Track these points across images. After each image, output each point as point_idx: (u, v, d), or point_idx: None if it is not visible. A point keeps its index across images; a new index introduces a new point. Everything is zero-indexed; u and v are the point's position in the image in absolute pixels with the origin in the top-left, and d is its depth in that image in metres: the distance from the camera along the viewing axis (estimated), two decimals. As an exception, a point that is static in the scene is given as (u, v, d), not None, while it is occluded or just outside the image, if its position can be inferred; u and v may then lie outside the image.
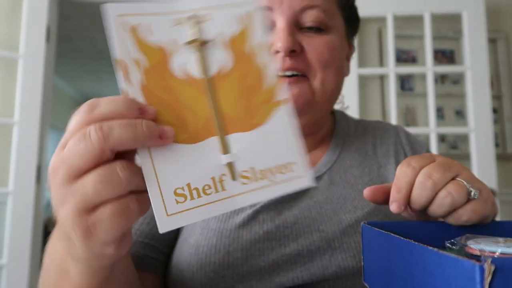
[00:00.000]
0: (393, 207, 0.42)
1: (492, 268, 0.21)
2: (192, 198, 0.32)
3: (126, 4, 0.34)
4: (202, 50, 0.35)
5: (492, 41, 2.21)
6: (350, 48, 0.71)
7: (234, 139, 0.34)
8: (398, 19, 2.09)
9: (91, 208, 0.29)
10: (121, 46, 0.33)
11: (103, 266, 0.34)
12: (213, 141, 0.34)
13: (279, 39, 0.56)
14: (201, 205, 0.32)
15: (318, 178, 0.63)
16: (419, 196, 0.42)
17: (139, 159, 0.31)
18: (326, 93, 0.61)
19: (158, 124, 0.32)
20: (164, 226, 0.30)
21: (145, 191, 0.30)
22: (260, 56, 0.37)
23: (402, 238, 0.35)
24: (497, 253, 0.32)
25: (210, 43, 0.35)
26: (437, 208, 0.42)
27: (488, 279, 0.22)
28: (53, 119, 2.40)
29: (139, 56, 0.33)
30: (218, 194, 0.33)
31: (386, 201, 0.44)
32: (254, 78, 0.36)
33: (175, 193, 0.31)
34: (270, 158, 0.35)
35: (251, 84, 0.36)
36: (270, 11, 0.58)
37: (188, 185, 0.32)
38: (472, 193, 0.42)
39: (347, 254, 0.54)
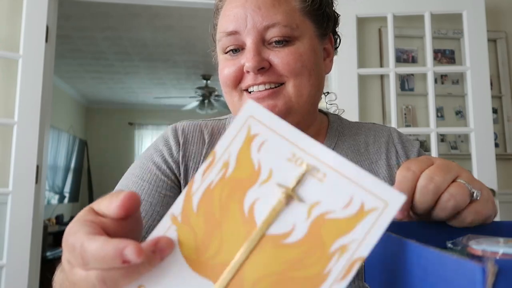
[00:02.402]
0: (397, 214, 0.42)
1: (495, 269, 0.21)
2: None
3: (265, 111, 0.32)
4: (284, 203, 0.30)
5: (492, 41, 2.21)
6: (331, 43, 0.73)
7: None
8: (398, 19, 2.09)
9: None
10: (227, 144, 0.32)
11: None
12: (209, 286, 0.30)
13: (247, 60, 0.61)
14: None
15: None
16: (422, 200, 0.41)
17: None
18: (302, 97, 0.64)
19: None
20: None
21: None
22: (339, 261, 0.28)
23: (403, 238, 0.34)
24: (499, 254, 0.32)
25: (298, 203, 0.30)
26: (441, 211, 0.41)
27: (490, 281, 0.21)
28: (53, 119, 2.40)
29: (232, 163, 0.32)
30: None
31: None
32: (309, 272, 0.29)
33: None
34: None
35: (299, 273, 0.29)
36: (238, 35, 0.63)
37: None
38: (475, 194, 0.42)
39: None
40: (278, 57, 0.62)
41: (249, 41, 0.62)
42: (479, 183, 0.44)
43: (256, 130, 0.32)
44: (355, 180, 0.29)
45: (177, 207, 0.32)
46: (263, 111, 0.32)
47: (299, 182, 0.30)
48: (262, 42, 0.63)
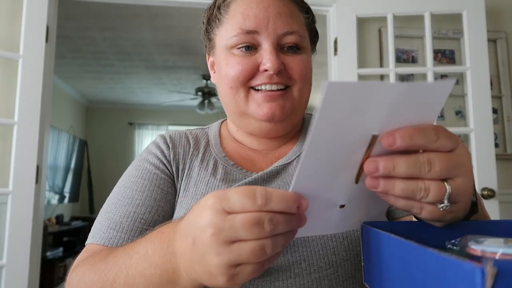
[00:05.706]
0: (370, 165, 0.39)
1: (494, 271, 0.21)
2: None
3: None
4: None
5: (492, 41, 2.21)
6: None
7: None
8: (398, 19, 2.09)
9: (237, 264, 0.39)
10: None
11: None
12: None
13: (269, 61, 0.66)
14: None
15: (289, 164, 0.72)
16: (401, 169, 0.37)
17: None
18: (303, 100, 0.72)
19: None
20: None
21: (278, 254, 0.41)
22: None
23: (402, 239, 0.34)
24: (499, 254, 0.32)
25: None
26: (403, 191, 0.38)
27: (490, 283, 0.21)
28: (53, 119, 2.40)
29: None
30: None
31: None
32: None
33: None
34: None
35: None
36: (257, 34, 0.68)
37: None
38: (440, 206, 0.38)
39: None
40: (293, 62, 0.69)
41: (268, 43, 0.67)
42: (466, 197, 0.40)
43: None
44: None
45: None
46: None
47: None
48: (277, 46, 0.68)
